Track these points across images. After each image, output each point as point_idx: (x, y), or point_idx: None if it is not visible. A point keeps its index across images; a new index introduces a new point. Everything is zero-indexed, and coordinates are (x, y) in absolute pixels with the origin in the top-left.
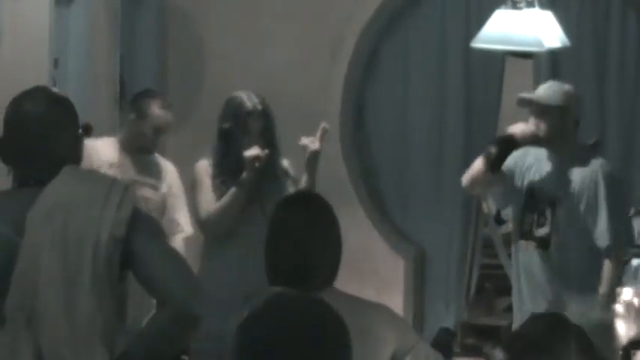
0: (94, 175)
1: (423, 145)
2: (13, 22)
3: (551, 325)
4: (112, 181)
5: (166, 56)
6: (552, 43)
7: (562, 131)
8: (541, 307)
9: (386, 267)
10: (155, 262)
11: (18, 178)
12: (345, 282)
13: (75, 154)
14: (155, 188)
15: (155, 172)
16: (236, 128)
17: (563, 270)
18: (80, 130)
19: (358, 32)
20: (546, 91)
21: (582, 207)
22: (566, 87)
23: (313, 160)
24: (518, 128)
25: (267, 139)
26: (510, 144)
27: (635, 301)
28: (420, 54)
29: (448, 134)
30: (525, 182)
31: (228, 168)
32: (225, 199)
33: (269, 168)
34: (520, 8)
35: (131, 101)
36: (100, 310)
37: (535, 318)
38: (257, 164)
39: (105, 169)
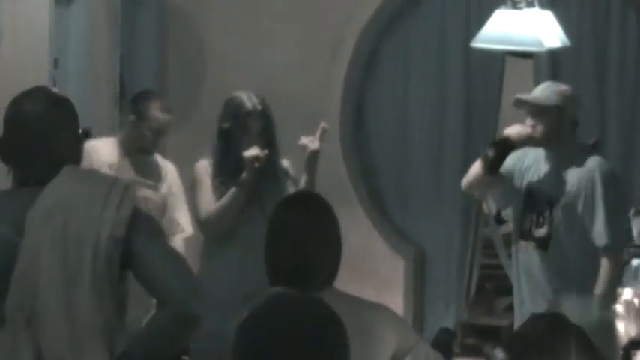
0: (94, 175)
1: (423, 145)
2: (13, 22)
3: (551, 325)
4: (112, 181)
5: (166, 56)
6: (552, 43)
7: (559, 132)
8: (541, 306)
9: (386, 267)
10: (155, 262)
11: (18, 178)
12: (345, 282)
13: (75, 154)
14: (155, 188)
15: (155, 173)
16: (236, 128)
17: (563, 270)
18: (80, 131)
19: (358, 32)
20: (543, 91)
21: (580, 207)
22: (563, 87)
23: (312, 160)
24: (514, 130)
25: (267, 139)
26: (507, 146)
27: (635, 301)
28: (420, 54)
29: (448, 134)
30: (524, 183)
31: (227, 168)
32: (225, 199)
33: (269, 168)
34: (520, 8)
35: (131, 102)
36: (100, 310)
37: (535, 318)
38: (256, 165)
39: (104, 170)
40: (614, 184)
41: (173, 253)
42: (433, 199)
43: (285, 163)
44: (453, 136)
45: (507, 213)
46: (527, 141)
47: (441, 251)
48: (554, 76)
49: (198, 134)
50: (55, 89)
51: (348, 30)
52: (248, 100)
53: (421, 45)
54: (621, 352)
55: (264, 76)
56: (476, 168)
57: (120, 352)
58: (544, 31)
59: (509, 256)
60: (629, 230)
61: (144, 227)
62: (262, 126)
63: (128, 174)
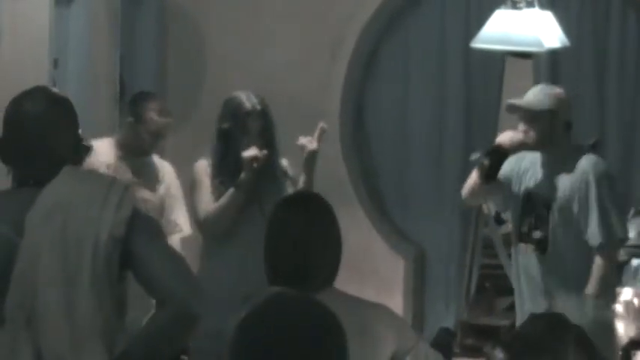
0: (93, 175)
1: (423, 145)
2: (13, 22)
3: (550, 325)
4: (112, 182)
5: (166, 56)
6: (552, 43)
7: (552, 135)
8: (541, 307)
9: (386, 267)
10: (154, 262)
11: (17, 178)
12: (345, 282)
13: (74, 155)
14: (153, 189)
15: (152, 174)
16: (235, 128)
17: (562, 271)
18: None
19: (358, 32)
20: (535, 96)
21: (575, 208)
22: (555, 90)
23: (311, 160)
24: (506, 137)
25: (266, 139)
26: (500, 153)
27: (635, 301)
28: (420, 54)
29: (448, 134)
30: (522, 186)
31: (227, 168)
32: (224, 199)
33: (268, 168)
34: (520, 8)
35: (129, 104)
36: (100, 310)
37: (534, 318)
38: (255, 165)
39: (102, 170)
40: (607, 184)
41: (172, 253)
42: (433, 199)
43: (285, 162)
44: (453, 136)
45: (507, 214)
46: (520, 147)
47: (441, 251)
48: (554, 76)
49: (198, 134)
50: (54, 89)
51: (348, 30)
52: (247, 100)
53: (421, 45)
54: (621, 353)
55: (264, 76)
56: (473, 177)
57: (119, 351)
58: (544, 32)
59: (509, 256)
60: (625, 230)
61: (143, 227)
62: (262, 126)
63: (125, 175)
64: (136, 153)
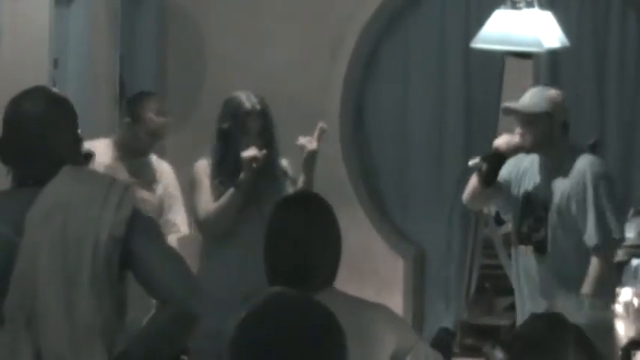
0: (93, 175)
1: (423, 145)
2: (13, 22)
3: (550, 325)
4: (111, 182)
5: (166, 56)
6: (552, 43)
7: (549, 137)
8: (541, 308)
9: (386, 267)
10: (154, 262)
11: (17, 178)
12: (345, 282)
13: (74, 155)
14: (151, 189)
15: (150, 174)
16: (235, 128)
17: (561, 272)
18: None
19: (358, 32)
20: (531, 99)
21: (574, 209)
22: (551, 92)
23: (311, 159)
24: (502, 140)
25: (266, 139)
26: (498, 157)
27: (635, 301)
28: (420, 54)
29: (448, 134)
30: (521, 189)
31: (226, 168)
32: (223, 199)
33: (268, 168)
34: (519, 8)
35: (126, 104)
36: (100, 310)
37: (534, 318)
38: (254, 165)
39: (100, 171)
40: (605, 184)
41: (172, 253)
42: (433, 199)
43: (284, 162)
44: (453, 136)
45: (508, 216)
46: (517, 150)
47: (441, 251)
48: (554, 76)
49: (198, 134)
50: (54, 89)
51: (348, 30)
52: (247, 100)
53: (421, 45)
54: (621, 353)
55: (264, 76)
56: (473, 182)
57: (119, 351)
58: (543, 32)
59: (509, 256)
60: (622, 230)
61: (143, 227)
62: (261, 126)
63: (123, 175)
64: (133, 153)
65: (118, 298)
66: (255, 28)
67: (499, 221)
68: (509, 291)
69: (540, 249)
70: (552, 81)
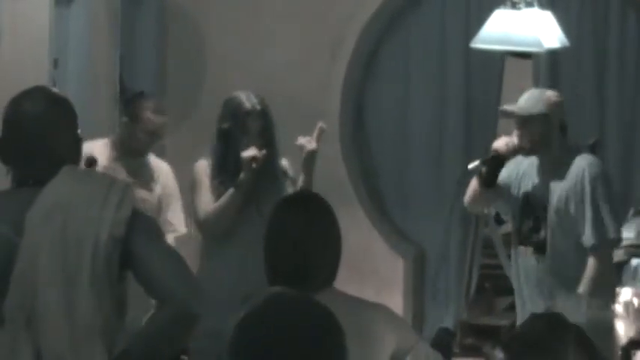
0: (93, 175)
1: (423, 145)
2: (13, 22)
3: (550, 325)
4: (111, 182)
5: (166, 56)
6: (551, 43)
7: (547, 138)
8: (541, 308)
9: (386, 267)
10: (154, 262)
11: (17, 178)
12: (345, 282)
13: (74, 155)
14: (149, 189)
15: (148, 174)
16: (235, 128)
17: (561, 272)
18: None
19: (358, 32)
20: (527, 101)
21: (572, 209)
22: (547, 93)
23: (310, 160)
24: (501, 142)
25: (266, 138)
26: (498, 159)
27: (635, 301)
28: (420, 54)
29: (448, 134)
30: (521, 190)
31: (226, 168)
32: (223, 200)
33: (268, 168)
34: (519, 8)
35: (125, 104)
36: (100, 310)
37: (534, 318)
38: (254, 165)
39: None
40: (602, 184)
41: (172, 253)
42: (433, 199)
43: (285, 163)
44: (453, 136)
45: (508, 216)
46: (515, 151)
47: (441, 251)
48: (554, 76)
49: (198, 134)
50: (54, 89)
51: (348, 30)
52: (247, 100)
53: (421, 45)
54: (620, 352)
55: (264, 76)
56: (474, 185)
57: (119, 351)
58: (543, 32)
59: (509, 256)
60: (618, 230)
61: (143, 227)
62: (261, 126)
63: (121, 175)
64: (131, 153)
65: (117, 298)
66: (255, 28)
67: (499, 221)
68: (509, 291)
69: (540, 249)
70: (552, 81)
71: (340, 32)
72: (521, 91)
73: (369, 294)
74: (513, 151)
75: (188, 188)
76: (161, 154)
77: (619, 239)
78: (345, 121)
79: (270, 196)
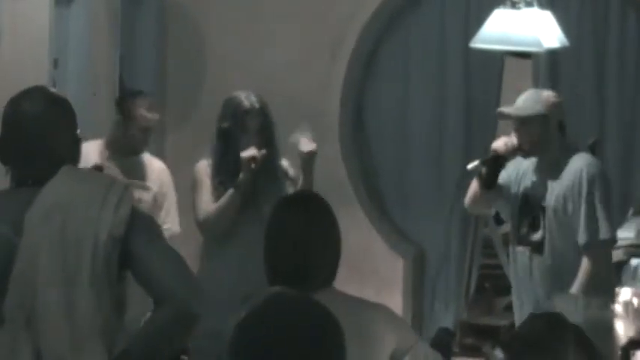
0: (92, 175)
1: (423, 145)
2: (13, 22)
3: (549, 325)
4: (111, 182)
5: (166, 56)
6: (551, 43)
7: (545, 138)
8: (539, 308)
9: (385, 267)
10: (154, 261)
11: (16, 178)
12: (345, 282)
13: (73, 155)
14: (145, 189)
15: (142, 173)
16: (235, 127)
17: (559, 272)
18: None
19: (358, 32)
20: (525, 102)
21: (570, 209)
22: (546, 94)
23: (309, 161)
24: (500, 143)
25: (266, 137)
26: (497, 160)
27: (634, 300)
28: (420, 54)
29: (448, 134)
30: (521, 189)
31: (226, 168)
32: (222, 200)
33: (268, 166)
34: (519, 8)
35: (117, 103)
36: (100, 309)
37: (534, 318)
38: (252, 165)
39: None
40: (599, 184)
41: (172, 253)
42: (433, 199)
43: (285, 163)
44: (453, 136)
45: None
46: (515, 152)
47: (441, 251)
48: (554, 76)
49: (198, 134)
50: (53, 89)
51: (348, 30)
52: (246, 98)
53: (421, 45)
54: (620, 352)
55: (264, 76)
56: (474, 187)
57: (119, 351)
58: (543, 31)
59: (508, 256)
60: (612, 231)
61: (143, 227)
62: (261, 124)
63: (115, 175)
64: (125, 152)
65: (117, 297)
66: (255, 28)
67: (499, 221)
68: (509, 291)
69: (537, 249)
70: (552, 81)
71: (340, 32)
72: (520, 92)
73: (369, 294)
74: (512, 152)
75: (188, 188)
76: (161, 154)
77: (613, 240)
78: (345, 121)
79: (271, 196)
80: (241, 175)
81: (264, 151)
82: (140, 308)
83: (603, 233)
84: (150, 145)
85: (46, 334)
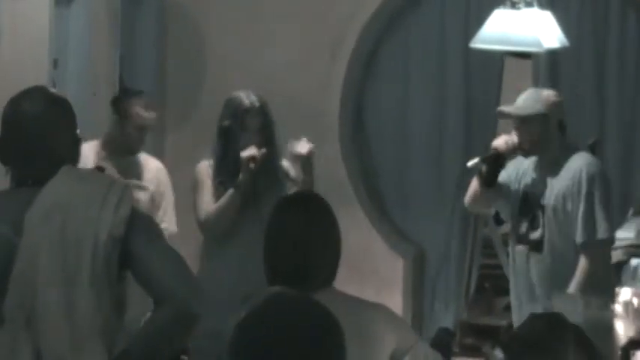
0: (92, 175)
1: (423, 145)
2: (13, 22)
3: (549, 325)
4: (111, 181)
5: (166, 56)
6: (551, 43)
7: (545, 137)
8: (538, 308)
9: (385, 267)
10: (154, 261)
11: (16, 178)
12: (345, 282)
13: (73, 155)
14: (142, 188)
15: (139, 172)
16: (234, 126)
17: (558, 271)
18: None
19: (358, 32)
20: (525, 101)
21: (569, 209)
22: (546, 93)
23: (308, 162)
24: (501, 141)
25: (266, 136)
26: (497, 158)
27: (634, 301)
28: (420, 54)
29: (448, 134)
30: (521, 188)
31: (226, 168)
32: (222, 200)
33: (268, 167)
34: (519, 8)
35: (113, 102)
36: (100, 310)
37: (534, 318)
38: (252, 165)
39: None
40: (599, 184)
41: (172, 253)
42: (433, 199)
43: (286, 163)
44: (453, 136)
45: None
46: (515, 150)
47: (441, 251)
48: (554, 76)
49: (198, 134)
50: (53, 89)
51: (348, 30)
52: (246, 97)
53: (421, 45)
54: (620, 352)
55: (264, 76)
56: (474, 185)
57: (119, 351)
58: (543, 32)
59: (508, 256)
60: (610, 231)
61: (143, 227)
62: (261, 123)
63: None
64: (122, 151)
65: (117, 297)
66: (255, 28)
67: (498, 221)
68: (509, 291)
69: (536, 248)
70: (552, 81)
71: (340, 32)
72: (520, 91)
73: (369, 294)
74: (513, 150)
75: (189, 188)
76: (161, 154)
77: (611, 240)
78: (344, 121)
79: (271, 196)
80: (241, 176)
81: (264, 150)
82: (140, 308)
83: (601, 233)
84: (150, 144)
85: (46, 334)
